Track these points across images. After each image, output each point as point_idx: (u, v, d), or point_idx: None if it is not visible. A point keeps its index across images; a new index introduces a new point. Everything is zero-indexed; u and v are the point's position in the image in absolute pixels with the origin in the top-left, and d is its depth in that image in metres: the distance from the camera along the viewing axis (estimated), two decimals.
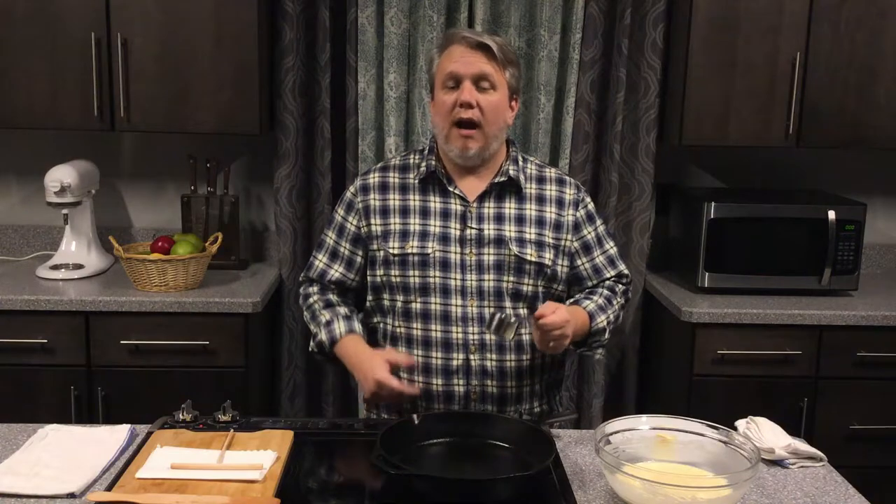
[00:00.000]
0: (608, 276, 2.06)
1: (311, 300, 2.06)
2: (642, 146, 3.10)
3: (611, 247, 2.08)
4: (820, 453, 1.73)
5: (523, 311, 1.95)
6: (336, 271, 2.04)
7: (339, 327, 1.97)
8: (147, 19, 2.80)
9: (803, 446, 1.74)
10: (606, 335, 2.01)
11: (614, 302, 2.04)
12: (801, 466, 1.71)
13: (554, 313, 1.78)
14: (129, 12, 2.79)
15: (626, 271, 2.10)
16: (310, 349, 2.06)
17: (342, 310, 2.02)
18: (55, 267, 2.96)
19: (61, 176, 2.84)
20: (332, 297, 2.05)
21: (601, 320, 1.98)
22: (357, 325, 1.99)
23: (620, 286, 2.09)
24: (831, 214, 2.92)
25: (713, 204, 2.90)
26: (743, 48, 2.90)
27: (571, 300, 2.03)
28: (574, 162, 3.09)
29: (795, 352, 2.82)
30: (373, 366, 1.86)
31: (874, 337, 2.82)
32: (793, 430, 1.88)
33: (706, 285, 2.96)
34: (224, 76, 2.84)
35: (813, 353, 2.83)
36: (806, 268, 2.96)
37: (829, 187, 3.30)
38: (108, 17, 2.79)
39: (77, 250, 3.01)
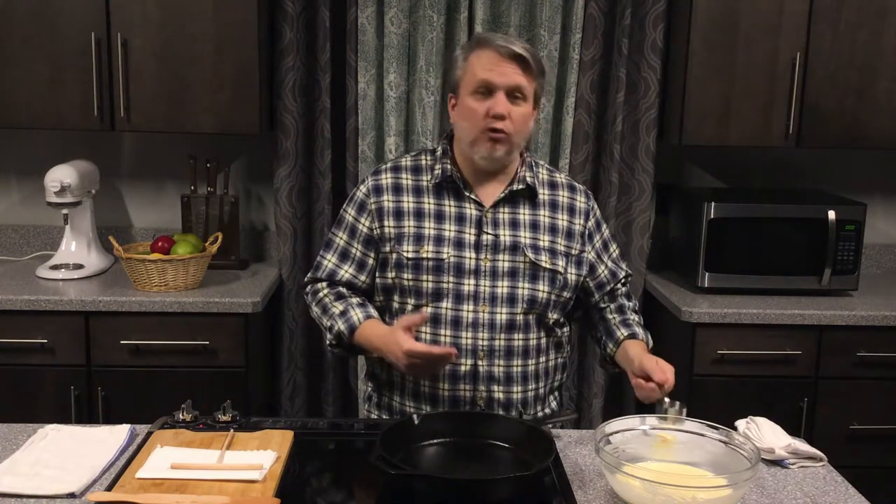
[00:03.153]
0: (622, 275, 2.09)
1: (320, 295, 2.02)
2: (642, 146, 3.10)
3: (614, 249, 2.11)
4: (820, 453, 1.73)
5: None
6: (346, 272, 2.00)
7: (357, 314, 1.92)
8: (147, 19, 2.80)
9: (803, 446, 1.74)
10: (650, 343, 2.04)
11: (638, 311, 2.09)
12: (801, 466, 1.71)
13: (664, 372, 1.77)
14: (129, 12, 2.79)
15: (629, 270, 2.14)
16: (327, 342, 1.99)
17: (354, 299, 1.98)
18: (55, 267, 2.96)
19: (61, 176, 2.84)
20: (343, 290, 2.01)
21: (650, 340, 2.02)
22: (372, 311, 1.95)
23: (628, 286, 2.13)
24: (831, 214, 2.92)
25: (713, 204, 2.90)
26: (743, 48, 2.90)
27: (625, 334, 1.98)
28: (574, 162, 3.09)
29: (795, 352, 2.82)
30: (397, 340, 1.79)
31: (874, 337, 2.82)
32: (793, 430, 1.88)
33: (706, 285, 2.96)
34: (224, 76, 2.84)
35: (813, 353, 2.83)
36: (806, 268, 2.96)
37: (829, 187, 3.30)
38: (108, 17, 2.80)
39: (77, 250, 3.01)
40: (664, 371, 1.77)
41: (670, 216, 3.28)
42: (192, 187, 3.13)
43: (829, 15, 2.89)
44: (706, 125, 2.95)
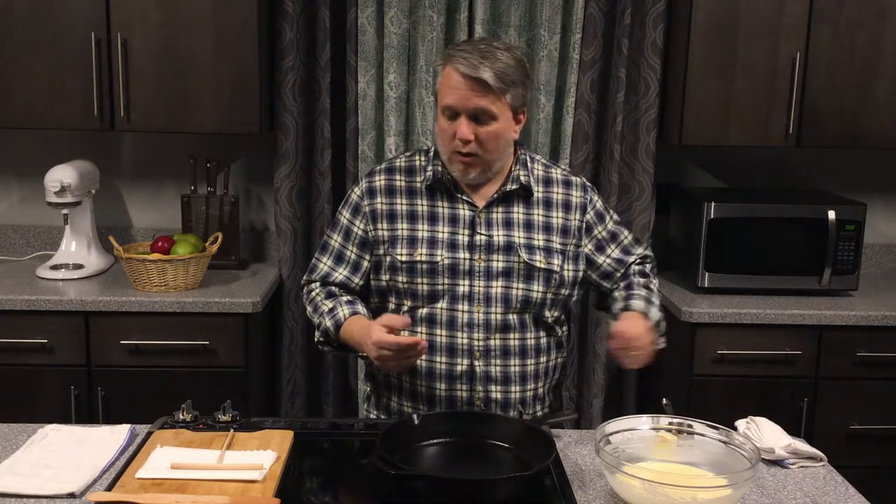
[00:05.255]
0: (632, 260, 2.05)
1: (313, 294, 2.02)
2: (642, 146, 3.10)
3: (625, 237, 2.06)
4: (820, 453, 1.73)
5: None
6: (341, 274, 2.00)
7: (343, 311, 1.91)
8: (147, 19, 2.80)
9: (803, 446, 1.74)
10: (662, 325, 1.98)
11: (652, 286, 2.03)
12: (801, 466, 1.71)
13: (634, 326, 1.80)
14: (129, 12, 2.79)
15: (646, 252, 2.09)
16: (315, 340, 2.01)
17: (344, 297, 1.97)
18: (55, 267, 2.96)
19: (61, 176, 2.84)
20: (335, 289, 2.01)
21: (654, 314, 1.95)
22: (361, 308, 1.94)
23: (648, 265, 2.08)
24: (831, 214, 2.92)
25: (713, 204, 2.90)
26: (743, 48, 2.90)
27: (619, 304, 1.97)
28: (574, 162, 3.09)
29: (795, 352, 2.82)
30: (370, 332, 1.78)
31: (874, 337, 2.82)
32: (793, 430, 1.88)
33: (706, 285, 2.96)
34: (224, 76, 2.84)
35: (813, 353, 2.83)
36: (806, 268, 2.96)
37: (829, 187, 3.30)
38: (108, 17, 2.80)
39: (77, 250, 3.01)
40: (625, 333, 1.80)
41: (670, 216, 3.28)
42: (192, 187, 3.13)
43: (829, 15, 2.89)
44: (706, 125, 2.95)
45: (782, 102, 2.94)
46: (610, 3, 3.03)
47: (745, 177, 3.36)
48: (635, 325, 1.83)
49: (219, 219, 3.12)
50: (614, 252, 2.04)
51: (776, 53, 2.91)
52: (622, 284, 2.04)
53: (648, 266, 2.09)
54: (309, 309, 2.03)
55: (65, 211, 2.92)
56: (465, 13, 2.99)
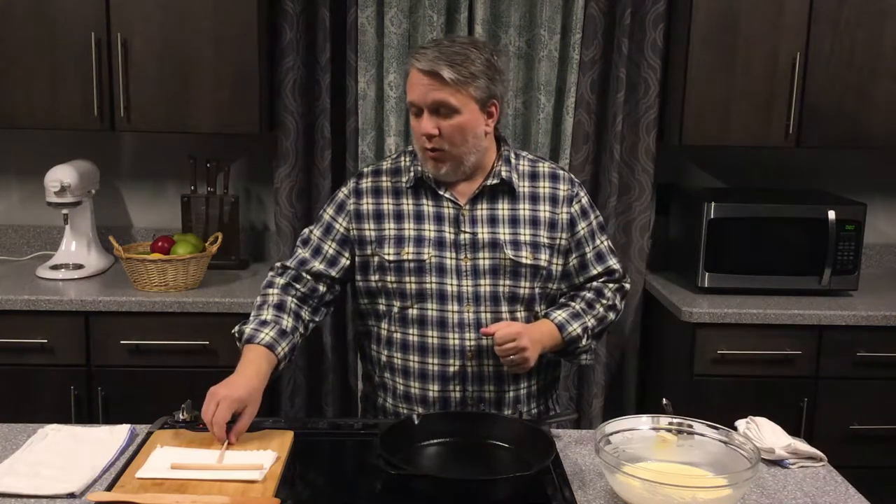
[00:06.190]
0: (595, 273, 2.01)
1: (269, 290, 1.96)
2: (642, 146, 3.10)
3: (601, 242, 2.03)
4: (820, 453, 1.73)
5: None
6: (317, 265, 1.98)
7: (266, 336, 1.84)
8: (147, 19, 2.80)
9: (803, 446, 1.74)
10: (584, 342, 1.96)
11: (597, 305, 2.00)
12: (801, 466, 1.71)
13: (508, 327, 1.81)
14: (129, 12, 2.79)
15: (615, 266, 2.04)
16: (233, 330, 1.94)
17: (287, 322, 1.90)
18: (55, 267, 2.96)
19: (61, 176, 2.84)
20: (290, 301, 1.94)
21: (573, 329, 1.94)
22: (282, 347, 1.85)
23: (612, 285, 2.03)
24: (831, 214, 2.92)
25: (713, 204, 2.90)
26: (743, 48, 2.90)
27: (543, 312, 1.98)
28: (574, 162, 3.09)
29: (795, 352, 2.82)
30: (229, 393, 1.71)
31: (874, 337, 2.82)
32: (793, 430, 1.88)
33: (706, 285, 2.96)
34: (224, 76, 2.84)
35: (813, 353, 2.83)
36: (806, 268, 2.96)
37: (829, 187, 3.30)
38: (108, 17, 2.80)
39: (77, 250, 3.01)
40: (500, 324, 1.84)
41: (670, 216, 3.28)
42: (192, 187, 3.13)
43: (829, 15, 2.89)
44: (706, 125, 2.95)
45: (782, 102, 2.94)
46: (610, 3, 3.03)
47: (745, 177, 3.36)
48: (507, 327, 1.82)
49: (219, 219, 3.12)
50: (588, 254, 2.01)
51: (776, 53, 2.91)
52: (570, 293, 2.03)
53: (612, 285, 2.04)
54: (258, 300, 1.96)
55: (65, 211, 2.92)
56: (465, 13, 2.99)
